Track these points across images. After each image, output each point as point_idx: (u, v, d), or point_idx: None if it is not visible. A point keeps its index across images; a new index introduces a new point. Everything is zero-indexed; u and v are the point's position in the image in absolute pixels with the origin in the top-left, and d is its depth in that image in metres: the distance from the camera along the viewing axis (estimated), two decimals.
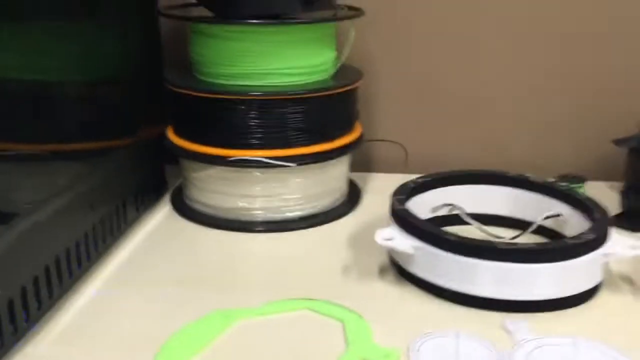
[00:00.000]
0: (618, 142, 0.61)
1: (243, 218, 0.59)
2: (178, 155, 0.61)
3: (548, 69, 0.70)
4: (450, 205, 0.55)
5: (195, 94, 0.58)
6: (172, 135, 0.61)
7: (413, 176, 0.57)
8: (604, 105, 0.70)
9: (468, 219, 0.55)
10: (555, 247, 0.46)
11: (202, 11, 0.61)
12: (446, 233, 0.46)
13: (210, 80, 0.59)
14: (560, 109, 0.71)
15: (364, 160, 0.73)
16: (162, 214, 0.62)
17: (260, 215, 0.59)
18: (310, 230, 0.59)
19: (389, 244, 0.48)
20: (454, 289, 0.46)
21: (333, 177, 0.62)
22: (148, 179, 0.61)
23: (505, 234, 0.55)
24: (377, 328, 0.43)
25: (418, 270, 0.48)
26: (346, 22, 0.62)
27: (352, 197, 0.65)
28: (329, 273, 0.51)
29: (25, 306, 0.40)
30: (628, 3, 0.67)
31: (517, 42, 0.70)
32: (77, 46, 0.50)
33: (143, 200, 0.60)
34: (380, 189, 0.67)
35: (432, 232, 0.47)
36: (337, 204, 0.63)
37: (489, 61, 0.71)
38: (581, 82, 0.70)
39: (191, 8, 0.65)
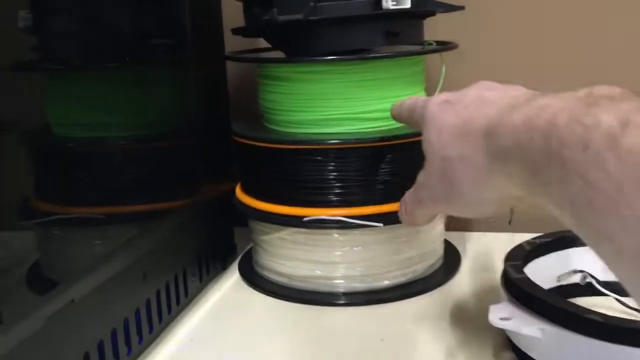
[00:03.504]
0: None
1: (322, 289, 0.50)
2: (246, 216, 0.54)
3: None
4: (581, 271, 0.44)
5: (264, 144, 0.50)
6: (240, 194, 0.54)
7: (519, 235, 0.48)
8: None
9: (603, 289, 0.44)
10: None
11: (272, 56, 0.55)
12: (588, 311, 0.35)
13: (282, 129, 0.51)
14: None
15: (459, 218, 0.63)
16: (229, 285, 0.54)
17: (341, 285, 0.50)
18: (403, 302, 0.49)
19: (508, 325, 0.37)
20: None
21: (427, 238, 0.52)
22: (213, 244, 0.54)
23: None
24: None
25: (547, 359, 0.37)
26: (435, 60, 0.54)
27: (450, 262, 0.55)
28: (431, 356, 0.41)
29: None
30: None
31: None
32: (134, 97, 0.44)
33: (207, 269, 0.52)
34: (481, 251, 0.58)
35: (566, 310, 0.36)
36: (432, 270, 0.53)
37: None
38: None
39: (259, 54, 0.59)
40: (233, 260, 0.58)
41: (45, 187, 0.36)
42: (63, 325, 0.33)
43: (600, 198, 0.20)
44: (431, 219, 0.39)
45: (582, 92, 0.24)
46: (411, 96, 0.41)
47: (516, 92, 0.32)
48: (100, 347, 0.37)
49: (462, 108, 0.33)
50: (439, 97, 0.36)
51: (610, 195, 0.20)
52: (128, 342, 0.40)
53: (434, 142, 0.34)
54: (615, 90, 0.24)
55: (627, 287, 0.21)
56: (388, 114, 0.49)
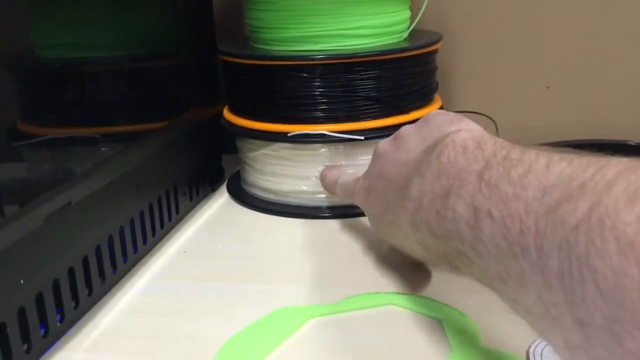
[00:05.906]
0: None
1: (307, 203, 0.52)
2: (234, 134, 0.54)
3: None
4: None
5: (250, 62, 0.51)
6: (227, 114, 0.55)
7: None
8: None
9: None
10: None
11: None
12: None
13: (268, 47, 0.52)
14: None
15: None
16: (219, 204, 0.55)
17: (326, 199, 0.51)
18: None
19: None
20: None
21: None
22: (202, 165, 0.55)
23: None
24: (482, 328, 0.34)
25: None
26: None
27: None
28: (414, 263, 0.43)
29: (58, 304, 0.34)
30: None
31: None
32: (119, 17, 0.44)
33: (197, 189, 0.53)
34: None
35: None
36: None
37: (586, 20, 0.61)
38: None
39: None
40: (221, 183, 0.59)
41: (32, 110, 0.36)
42: (61, 226, 0.34)
43: (492, 278, 0.25)
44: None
45: (433, 171, 0.29)
46: (341, 177, 0.46)
47: (405, 155, 0.35)
48: (98, 252, 0.38)
49: (381, 193, 0.37)
50: (361, 186, 0.40)
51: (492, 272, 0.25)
52: (124, 251, 0.41)
53: (374, 227, 0.41)
54: (456, 163, 0.27)
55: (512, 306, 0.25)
56: (374, 30, 0.50)
